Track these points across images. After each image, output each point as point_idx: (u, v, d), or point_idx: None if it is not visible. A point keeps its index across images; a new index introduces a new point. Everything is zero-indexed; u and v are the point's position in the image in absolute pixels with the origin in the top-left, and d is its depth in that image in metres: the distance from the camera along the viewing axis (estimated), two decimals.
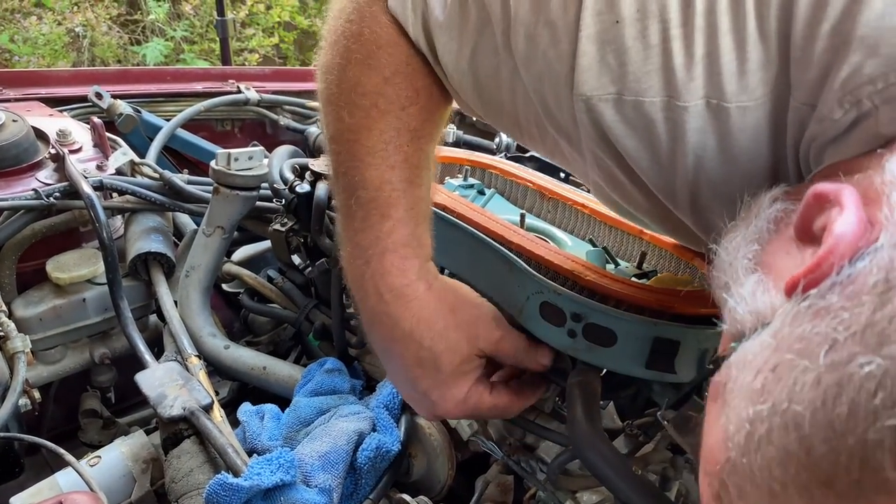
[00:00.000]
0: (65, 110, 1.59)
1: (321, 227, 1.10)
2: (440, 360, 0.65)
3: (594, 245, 0.92)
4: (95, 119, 1.36)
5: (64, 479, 0.86)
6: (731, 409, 0.32)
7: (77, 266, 1.15)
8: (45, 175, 1.22)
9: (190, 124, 1.69)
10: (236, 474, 0.80)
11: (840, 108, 0.38)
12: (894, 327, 0.25)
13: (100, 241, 1.10)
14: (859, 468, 0.25)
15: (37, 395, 1.02)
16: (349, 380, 1.03)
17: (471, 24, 0.54)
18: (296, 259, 1.18)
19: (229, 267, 1.30)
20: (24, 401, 0.99)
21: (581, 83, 0.46)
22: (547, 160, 1.48)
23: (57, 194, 1.14)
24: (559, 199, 0.97)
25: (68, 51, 5.02)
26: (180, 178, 1.27)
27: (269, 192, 1.22)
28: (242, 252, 1.40)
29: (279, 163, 1.23)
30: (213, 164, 1.15)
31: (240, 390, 1.20)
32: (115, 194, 1.22)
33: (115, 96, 1.60)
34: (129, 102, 1.63)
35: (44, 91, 1.65)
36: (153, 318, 1.27)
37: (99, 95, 1.57)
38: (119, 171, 1.27)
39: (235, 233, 1.24)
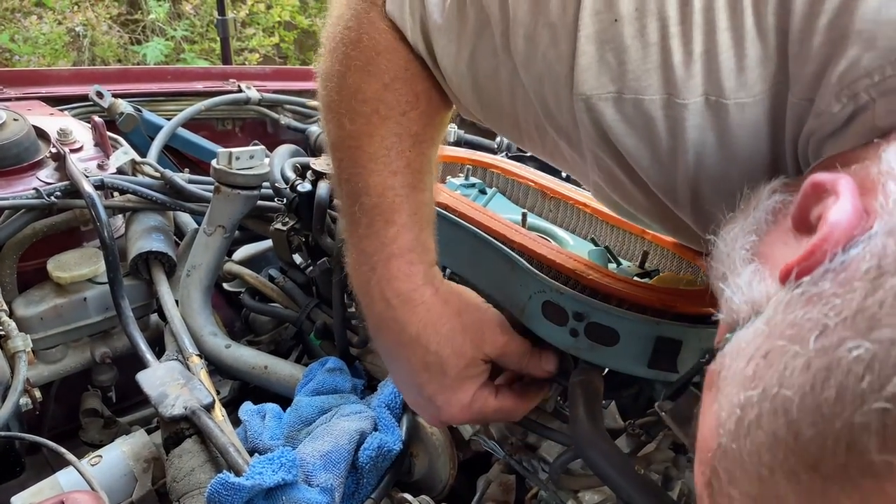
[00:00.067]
0: (65, 109, 1.60)
1: (322, 227, 1.10)
2: (446, 364, 0.64)
3: (596, 244, 0.92)
4: (96, 118, 1.36)
5: (65, 478, 0.85)
6: (723, 396, 0.32)
7: (78, 265, 1.15)
8: (46, 174, 1.22)
9: (191, 123, 1.69)
10: (238, 473, 0.80)
11: (838, 102, 0.38)
12: (884, 312, 0.25)
13: (101, 240, 1.10)
14: (845, 452, 0.25)
15: (38, 394, 1.02)
16: (350, 379, 1.03)
17: (469, 26, 0.54)
18: (297, 258, 1.17)
19: (230, 266, 1.30)
20: (24, 400, 0.99)
21: (581, 83, 0.46)
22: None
23: (58, 193, 1.14)
24: (561, 199, 0.97)
25: (68, 50, 5.02)
26: (181, 178, 1.27)
27: (270, 191, 1.22)
28: (244, 251, 1.40)
29: (280, 162, 1.23)
30: (214, 163, 1.15)
31: (241, 389, 1.20)
32: (116, 193, 1.22)
33: (115, 95, 1.60)
34: (129, 101, 1.63)
35: (44, 90, 1.65)
36: (154, 317, 1.27)
37: (100, 94, 1.57)
38: (120, 171, 1.27)
39: (236, 232, 1.24)
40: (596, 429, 0.64)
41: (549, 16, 0.47)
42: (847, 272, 0.28)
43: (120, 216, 1.26)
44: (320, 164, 1.13)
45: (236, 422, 0.96)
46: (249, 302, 1.27)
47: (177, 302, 1.15)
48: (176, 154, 1.69)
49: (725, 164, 0.46)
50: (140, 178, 1.26)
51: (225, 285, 1.35)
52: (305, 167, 1.18)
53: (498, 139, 1.72)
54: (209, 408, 0.91)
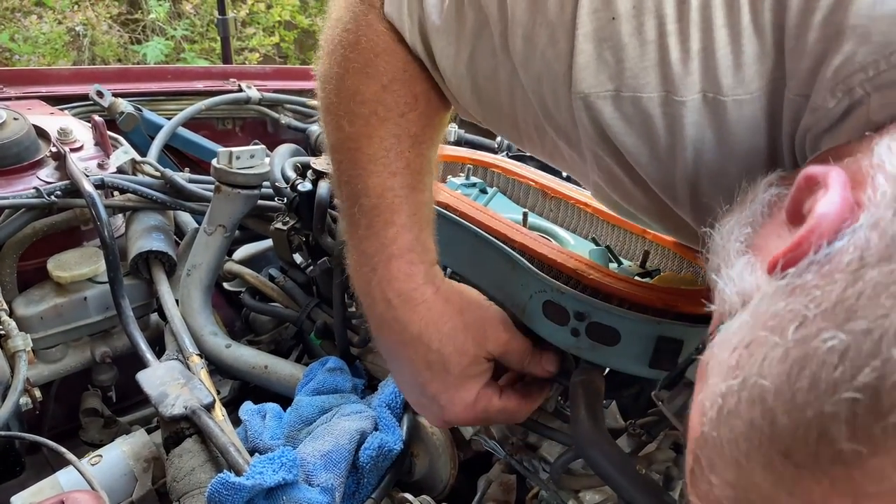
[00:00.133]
0: (66, 109, 1.59)
1: (323, 226, 1.10)
2: (449, 363, 0.64)
3: (597, 244, 0.91)
4: (96, 117, 1.36)
5: (65, 477, 0.85)
6: (707, 386, 0.33)
7: (78, 265, 1.15)
8: (47, 173, 1.22)
9: (191, 123, 1.68)
10: (238, 473, 0.80)
11: (833, 97, 0.39)
12: (861, 303, 0.25)
13: (101, 239, 1.10)
14: (816, 440, 0.25)
15: (38, 393, 1.02)
16: (351, 379, 1.03)
17: (468, 27, 0.54)
18: (297, 258, 1.17)
19: (231, 266, 1.30)
20: (25, 399, 0.99)
21: (579, 81, 0.47)
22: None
23: (58, 193, 1.14)
24: (562, 198, 0.97)
25: (69, 50, 5.02)
26: (181, 177, 1.27)
27: (270, 190, 1.22)
28: (244, 251, 1.40)
29: (281, 161, 1.23)
30: (214, 162, 1.15)
31: (241, 389, 1.20)
32: (116, 193, 1.22)
33: (116, 95, 1.60)
34: (130, 101, 1.63)
35: (45, 89, 1.65)
36: (154, 316, 1.27)
37: (100, 94, 1.57)
38: (120, 170, 1.27)
39: (237, 231, 1.24)
40: (597, 429, 0.64)
41: (547, 15, 0.47)
42: (831, 264, 0.28)
43: (120, 215, 1.26)
44: (321, 163, 1.13)
45: (236, 421, 0.96)
46: (250, 301, 1.27)
47: (177, 301, 1.15)
48: (176, 153, 1.69)
49: (724, 160, 0.46)
50: (140, 177, 1.26)
51: (225, 285, 1.34)
52: (306, 166, 1.17)
53: (498, 139, 1.72)
54: (209, 407, 0.91)
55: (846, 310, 0.26)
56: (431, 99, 0.63)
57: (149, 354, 1.04)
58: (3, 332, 1.00)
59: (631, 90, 0.45)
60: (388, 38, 0.61)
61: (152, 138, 1.57)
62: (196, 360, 1.03)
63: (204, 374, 1.01)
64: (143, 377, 0.96)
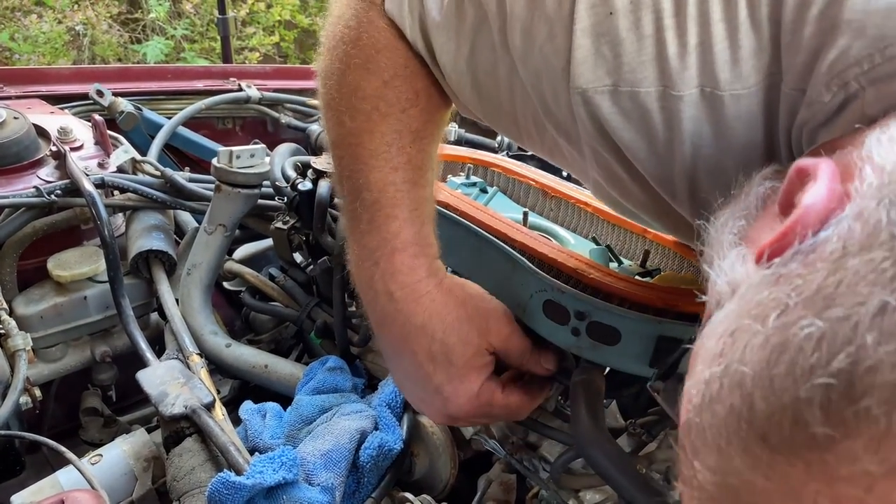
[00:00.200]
0: (66, 108, 1.59)
1: (323, 225, 1.10)
2: (452, 353, 0.64)
3: (597, 243, 0.91)
4: (97, 116, 1.36)
5: (65, 477, 0.85)
6: (694, 374, 0.33)
7: (78, 264, 1.15)
8: (47, 172, 1.22)
9: (191, 122, 1.68)
10: (238, 473, 0.80)
11: (828, 91, 0.39)
12: (840, 291, 0.26)
13: (101, 238, 1.10)
14: (791, 424, 0.26)
15: (38, 393, 1.02)
16: (351, 378, 1.03)
17: (467, 23, 0.54)
18: (297, 257, 1.17)
19: (231, 265, 1.30)
20: (24, 399, 0.99)
21: (577, 76, 0.47)
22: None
23: (58, 192, 1.14)
24: (562, 198, 0.97)
25: (68, 49, 5.02)
26: (182, 176, 1.27)
27: (270, 190, 1.22)
28: (244, 250, 1.40)
29: (281, 161, 1.23)
30: (214, 161, 1.15)
31: (241, 388, 1.20)
32: (116, 192, 1.22)
33: (116, 94, 1.60)
34: (130, 100, 1.62)
35: (45, 89, 1.65)
36: (154, 316, 1.27)
37: (100, 93, 1.57)
38: (120, 169, 1.27)
39: (237, 231, 1.24)
40: (597, 428, 0.64)
41: (545, 10, 0.47)
42: (815, 253, 0.29)
43: (120, 215, 1.26)
44: (321, 162, 1.13)
45: (237, 421, 0.96)
46: (250, 301, 1.27)
47: (177, 301, 1.15)
48: (176, 153, 1.69)
49: (721, 155, 0.46)
50: (140, 176, 1.26)
51: (225, 284, 1.34)
52: (306, 166, 1.17)
53: (499, 138, 1.72)
54: (209, 407, 0.91)
55: (824, 298, 0.26)
56: (432, 95, 0.64)
57: (149, 354, 1.04)
58: (3, 332, 1.00)
59: (629, 85, 0.45)
60: (389, 34, 0.61)
61: (152, 137, 1.56)
62: (196, 360, 1.03)
63: (204, 373, 1.01)
64: (143, 376, 0.96)
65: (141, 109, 1.63)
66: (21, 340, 1.00)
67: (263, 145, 1.20)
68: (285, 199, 1.14)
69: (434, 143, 0.66)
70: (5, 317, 1.02)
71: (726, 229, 0.39)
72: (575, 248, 0.90)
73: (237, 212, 1.18)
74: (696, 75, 0.43)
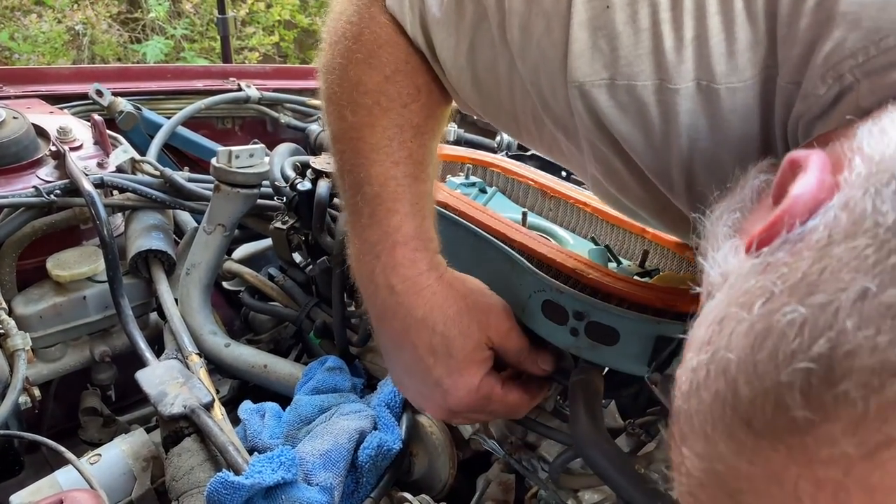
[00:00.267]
0: (65, 108, 1.59)
1: (322, 225, 1.10)
2: (453, 346, 0.65)
3: (596, 243, 0.91)
4: (96, 116, 1.36)
5: (64, 477, 0.85)
6: (684, 362, 0.33)
7: (77, 264, 1.15)
8: (46, 172, 1.22)
9: (190, 122, 1.68)
10: (237, 472, 0.80)
11: (823, 83, 0.39)
12: (823, 278, 0.26)
13: (100, 238, 1.10)
14: (773, 409, 0.26)
15: (37, 392, 1.02)
16: (350, 378, 1.03)
17: (467, 19, 0.55)
18: (297, 257, 1.17)
19: (230, 265, 1.30)
20: (24, 399, 0.99)
21: (574, 69, 0.47)
22: (548, 158, 1.48)
23: (57, 192, 1.14)
24: (561, 198, 0.97)
25: (68, 49, 5.02)
26: (181, 176, 1.27)
27: (270, 189, 1.22)
28: (243, 250, 1.40)
29: (280, 160, 1.23)
30: (214, 161, 1.15)
31: (240, 388, 1.20)
32: (115, 192, 1.22)
33: (115, 94, 1.60)
34: (129, 100, 1.62)
35: (44, 88, 1.64)
36: (154, 315, 1.27)
37: (99, 93, 1.57)
38: (120, 169, 1.27)
39: (236, 231, 1.24)
40: (596, 428, 0.64)
41: (543, 5, 0.48)
42: (802, 242, 0.29)
43: (119, 214, 1.26)
44: (320, 162, 1.13)
45: (236, 420, 0.96)
46: (249, 301, 1.27)
47: (176, 300, 1.15)
48: (176, 152, 1.69)
49: (718, 148, 0.47)
50: (140, 176, 1.26)
51: (224, 284, 1.34)
52: (305, 166, 1.17)
53: (498, 138, 1.72)
54: (208, 406, 0.91)
55: (808, 284, 0.27)
56: (433, 91, 0.64)
57: (148, 353, 1.04)
58: (2, 331, 1.00)
59: (625, 78, 0.46)
60: (391, 30, 0.62)
61: (152, 137, 1.56)
62: (195, 360, 1.03)
63: (203, 373, 1.01)
64: (142, 376, 0.96)
65: (140, 109, 1.63)
66: (20, 340, 1.00)
67: (263, 145, 1.20)
68: (284, 198, 1.14)
69: (435, 139, 0.66)
70: (4, 316, 1.02)
71: (721, 222, 0.39)
72: (574, 248, 0.90)
73: (236, 212, 1.18)
74: (693, 68, 0.44)
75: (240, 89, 1.80)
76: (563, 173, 1.32)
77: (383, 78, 0.62)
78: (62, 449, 0.85)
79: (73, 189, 1.15)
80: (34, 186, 1.13)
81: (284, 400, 1.00)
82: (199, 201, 1.25)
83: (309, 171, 1.13)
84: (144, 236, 1.19)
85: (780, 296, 0.27)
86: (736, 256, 0.34)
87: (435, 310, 0.64)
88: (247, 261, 1.36)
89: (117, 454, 0.92)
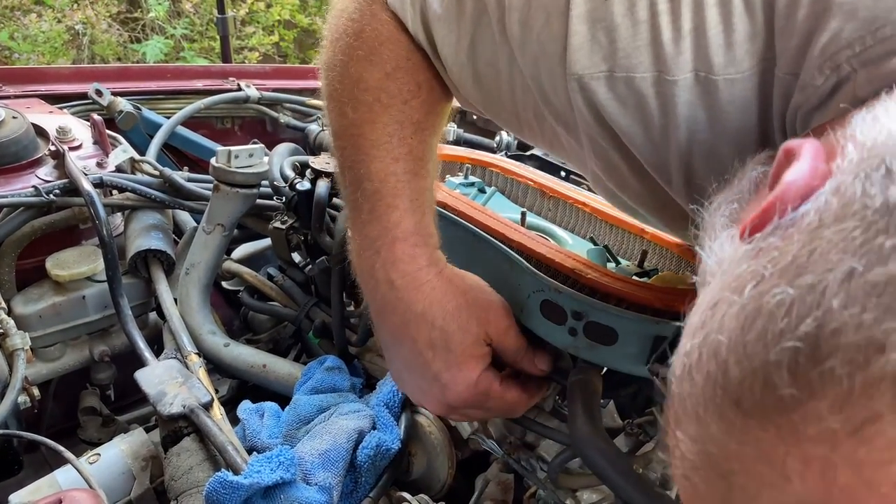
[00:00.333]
0: (65, 107, 1.59)
1: (321, 225, 1.10)
2: (452, 341, 0.65)
3: (595, 243, 0.92)
4: (95, 116, 1.36)
5: (63, 476, 0.85)
6: (678, 347, 0.34)
7: (77, 263, 1.15)
8: (45, 172, 1.22)
9: (190, 122, 1.68)
10: (236, 472, 0.80)
11: (821, 74, 0.39)
12: (812, 260, 0.27)
13: (100, 238, 1.10)
14: (762, 387, 0.26)
15: (36, 392, 1.02)
16: (349, 378, 1.03)
17: (467, 15, 0.55)
18: (296, 257, 1.17)
19: (229, 265, 1.30)
20: (23, 398, 0.99)
21: (573, 62, 0.47)
22: (547, 158, 1.48)
23: (57, 191, 1.14)
24: (560, 198, 0.97)
25: (68, 48, 5.02)
26: (180, 176, 1.27)
27: (269, 189, 1.22)
28: (242, 250, 1.40)
29: (279, 160, 1.23)
30: (213, 161, 1.15)
31: (239, 388, 1.20)
32: (115, 191, 1.22)
33: (115, 93, 1.60)
34: (129, 100, 1.62)
35: (44, 88, 1.64)
36: (153, 315, 1.27)
37: (99, 93, 1.57)
38: (119, 169, 1.27)
39: (235, 230, 1.24)
40: (594, 428, 0.64)
41: None
42: (793, 227, 0.29)
43: (119, 214, 1.26)
44: (319, 162, 1.13)
45: (235, 420, 0.96)
46: (248, 300, 1.27)
47: (175, 300, 1.15)
48: (175, 152, 1.69)
49: (716, 140, 0.47)
50: (139, 176, 1.26)
51: (224, 284, 1.34)
52: (304, 166, 1.18)
53: (497, 138, 1.72)
54: (208, 406, 0.91)
55: (797, 266, 0.27)
56: (434, 87, 0.64)
57: (147, 353, 1.04)
58: (1, 331, 1.00)
59: (624, 70, 0.46)
60: (392, 26, 0.62)
61: (151, 137, 1.56)
62: (194, 359, 1.03)
63: (202, 372, 1.01)
64: (141, 376, 0.96)
65: (140, 109, 1.63)
66: (19, 340, 1.00)
67: (262, 145, 1.20)
68: (284, 198, 1.14)
69: (435, 136, 0.66)
70: (4, 316, 1.02)
71: (719, 213, 0.39)
72: (573, 248, 0.90)
73: (236, 211, 1.18)
74: (691, 60, 0.44)
75: (239, 89, 1.80)
76: (563, 173, 1.32)
77: (384, 75, 0.62)
78: (61, 448, 0.85)
79: (72, 189, 1.15)
80: (33, 186, 1.13)
81: (283, 400, 1.00)
82: (199, 201, 1.25)
83: (308, 170, 1.13)
84: (144, 236, 1.19)
85: (770, 278, 0.28)
86: (731, 244, 0.35)
87: (434, 305, 0.64)
88: (246, 260, 1.36)
89: (116, 454, 0.92)
